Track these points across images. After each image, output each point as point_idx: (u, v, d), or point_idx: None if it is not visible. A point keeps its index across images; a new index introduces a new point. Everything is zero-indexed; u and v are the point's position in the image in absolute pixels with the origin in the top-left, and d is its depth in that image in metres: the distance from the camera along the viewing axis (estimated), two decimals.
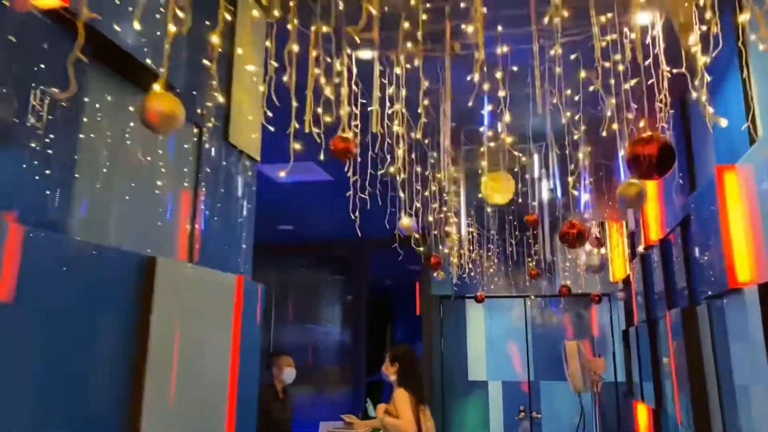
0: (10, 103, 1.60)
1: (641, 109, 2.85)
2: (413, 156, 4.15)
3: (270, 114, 2.76)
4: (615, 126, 2.84)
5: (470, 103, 3.01)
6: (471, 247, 7.17)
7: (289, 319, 9.34)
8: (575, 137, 3.59)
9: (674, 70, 2.52)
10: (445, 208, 5.25)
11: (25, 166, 1.64)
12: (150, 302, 1.93)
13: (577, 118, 3.13)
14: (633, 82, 2.81)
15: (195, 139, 2.47)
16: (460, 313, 8.98)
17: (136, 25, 1.85)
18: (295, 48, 2.56)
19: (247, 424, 2.47)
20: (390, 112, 3.23)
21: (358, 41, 2.89)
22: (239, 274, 2.51)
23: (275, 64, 2.88)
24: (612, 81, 2.92)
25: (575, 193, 3.14)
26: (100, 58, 1.93)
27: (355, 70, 3.21)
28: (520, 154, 4.00)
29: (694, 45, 2.33)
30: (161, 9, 2.08)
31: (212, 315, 2.28)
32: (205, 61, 2.38)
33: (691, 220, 3.86)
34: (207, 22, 2.47)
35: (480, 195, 5.30)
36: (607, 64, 2.87)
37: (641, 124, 2.31)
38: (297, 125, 2.63)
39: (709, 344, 3.65)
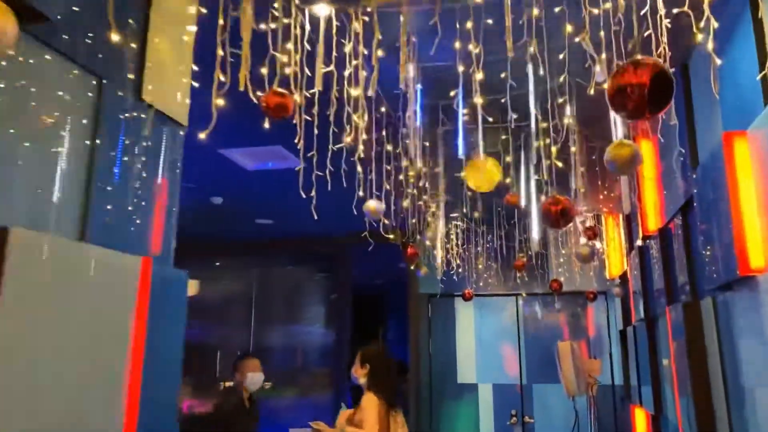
0: None
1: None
2: (384, 133, 3.72)
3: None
4: (605, 85, 2.40)
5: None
6: (457, 240, 6.75)
7: (270, 320, 8.89)
8: (560, 101, 3.15)
9: (675, 10, 2.11)
10: (426, 197, 4.82)
11: None
12: None
13: (562, 79, 2.69)
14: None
15: (91, 91, 2.03)
16: (449, 313, 8.54)
17: None
18: None
19: None
20: (347, 73, 2.80)
21: None
22: (147, 256, 2.07)
23: (204, 11, 2.45)
24: (602, 33, 2.49)
25: (559, 164, 2.70)
26: None
27: (308, 27, 2.78)
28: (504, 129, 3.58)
29: None
30: None
31: (98, 302, 1.84)
32: None
33: (693, 202, 3.43)
34: None
35: (462, 181, 4.88)
36: (596, 11, 2.44)
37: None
38: (222, 77, 2.20)
39: (714, 342, 3.21)
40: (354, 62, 2.63)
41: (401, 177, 4.07)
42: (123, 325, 1.93)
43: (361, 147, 2.84)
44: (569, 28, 2.71)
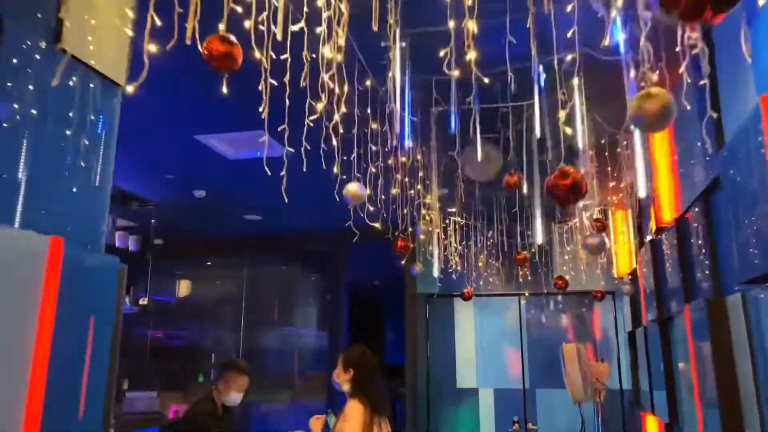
0: None
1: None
2: (368, 110, 3.32)
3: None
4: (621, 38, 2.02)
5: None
6: (455, 236, 6.35)
7: (261, 321, 8.50)
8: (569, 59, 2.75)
9: None
10: (419, 186, 4.42)
11: None
12: None
13: (570, 33, 2.29)
14: None
15: None
16: (447, 314, 8.14)
17: None
18: None
19: None
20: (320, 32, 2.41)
21: None
22: (57, 236, 1.67)
23: None
24: None
25: (567, 130, 2.29)
26: None
27: None
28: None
29: None
30: None
31: None
32: None
33: (717, 185, 3.02)
34: None
35: (458, 169, 4.48)
36: None
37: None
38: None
39: (744, 343, 2.80)
40: (326, 14, 2.24)
41: (390, 161, 3.68)
42: (23, 316, 1.54)
43: (337, 116, 2.44)
44: None
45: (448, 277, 6.58)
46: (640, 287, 5.60)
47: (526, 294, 7.70)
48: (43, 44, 1.78)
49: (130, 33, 2.03)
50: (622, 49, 2.54)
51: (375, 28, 2.06)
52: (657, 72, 2.10)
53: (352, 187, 2.93)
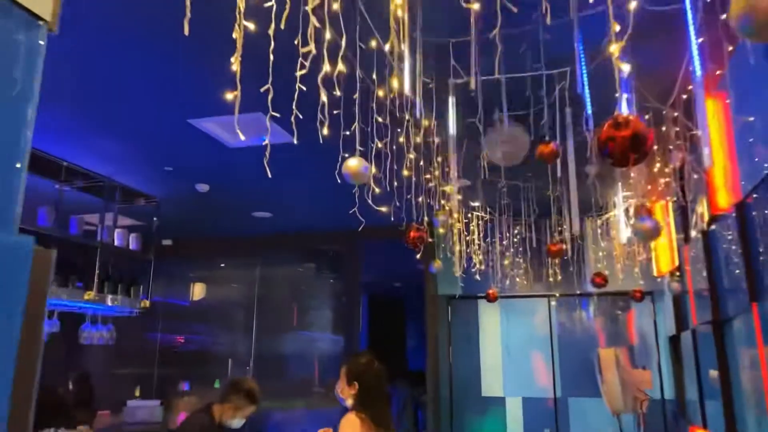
0: None
1: None
2: (374, 74, 2.84)
3: None
4: None
5: None
6: (478, 232, 5.83)
7: (273, 324, 8.06)
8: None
9: None
10: (436, 172, 3.92)
11: None
12: None
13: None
14: None
15: None
16: (471, 317, 7.60)
17: None
18: None
19: None
20: None
21: None
22: None
23: None
24: None
25: (621, 73, 1.76)
26: None
27: None
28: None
29: None
30: None
31: None
32: None
33: None
34: None
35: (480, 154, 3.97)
36: None
37: None
38: None
39: None
40: None
41: (401, 139, 3.19)
42: None
43: (327, 68, 1.96)
44: None
45: (471, 278, 6.06)
46: (687, 286, 5.02)
47: (557, 295, 7.13)
48: None
49: None
50: None
51: None
52: None
53: (353, 163, 2.44)
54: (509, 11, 1.77)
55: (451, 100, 3.25)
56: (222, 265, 8.81)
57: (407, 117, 3.07)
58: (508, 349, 7.40)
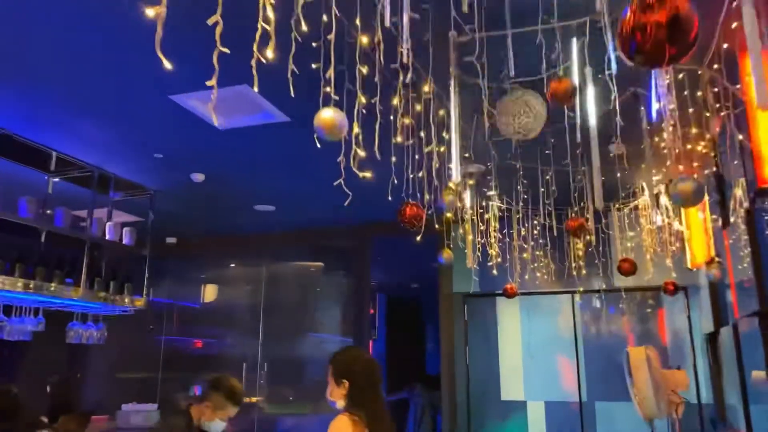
0: None
1: None
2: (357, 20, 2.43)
3: None
4: None
5: None
6: (492, 220, 5.38)
7: (279, 325, 7.68)
8: None
9: None
10: (441, 149, 3.49)
11: None
12: None
13: None
14: None
15: None
16: (489, 316, 7.12)
17: None
18: None
19: None
20: None
21: None
22: None
23: None
24: None
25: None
26: None
27: None
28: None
29: None
30: None
31: None
32: None
33: None
34: None
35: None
36: None
37: None
38: None
39: None
40: None
41: (395, 101, 2.77)
42: None
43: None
44: None
45: (487, 273, 5.61)
46: (728, 277, 4.51)
47: (581, 290, 6.62)
48: None
49: None
50: None
51: None
52: None
53: (326, 115, 2.03)
54: None
55: (453, 56, 2.83)
56: (232, 265, 8.48)
57: (401, 77, 2.66)
58: (530, 349, 6.91)
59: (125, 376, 7.89)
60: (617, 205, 5.66)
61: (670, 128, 2.67)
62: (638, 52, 1.20)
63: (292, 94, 2.13)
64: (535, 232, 5.87)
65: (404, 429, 9.41)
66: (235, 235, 7.78)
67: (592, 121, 2.51)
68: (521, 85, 3.42)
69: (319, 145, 2.60)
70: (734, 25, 2.94)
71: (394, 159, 3.30)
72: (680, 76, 3.20)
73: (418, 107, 3.23)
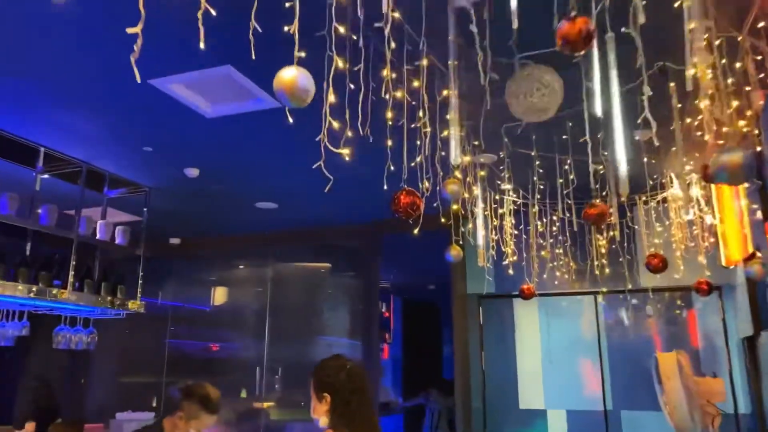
0: None
1: None
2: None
3: None
4: None
5: None
6: (507, 216, 4.99)
7: (285, 328, 7.36)
8: None
9: None
10: (444, 133, 3.11)
11: None
12: None
13: None
14: None
15: None
16: (506, 319, 6.71)
17: None
18: None
19: None
20: None
21: None
22: None
23: None
24: None
25: None
26: None
27: None
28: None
29: None
30: None
31: None
32: None
33: None
34: None
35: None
36: None
37: None
38: None
39: None
40: None
41: (385, 72, 2.40)
42: None
43: None
44: None
45: (503, 272, 5.20)
46: None
47: (603, 292, 6.18)
48: None
49: None
50: None
51: None
52: None
53: (287, 75, 1.67)
54: None
55: (451, 21, 2.45)
56: (241, 267, 8.19)
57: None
58: (550, 354, 6.48)
59: (128, 380, 7.64)
60: (644, 198, 5.22)
61: (709, 92, 2.26)
62: None
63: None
64: (554, 227, 5.46)
65: None
66: (238, 234, 7.48)
67: (614, 88, 2.11)
68: (533, 59, 3.05)
69: (291, 120, 2.26)
70: None
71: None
72: (717, 42, 2.78)
73: (416, 83, 2.86)
